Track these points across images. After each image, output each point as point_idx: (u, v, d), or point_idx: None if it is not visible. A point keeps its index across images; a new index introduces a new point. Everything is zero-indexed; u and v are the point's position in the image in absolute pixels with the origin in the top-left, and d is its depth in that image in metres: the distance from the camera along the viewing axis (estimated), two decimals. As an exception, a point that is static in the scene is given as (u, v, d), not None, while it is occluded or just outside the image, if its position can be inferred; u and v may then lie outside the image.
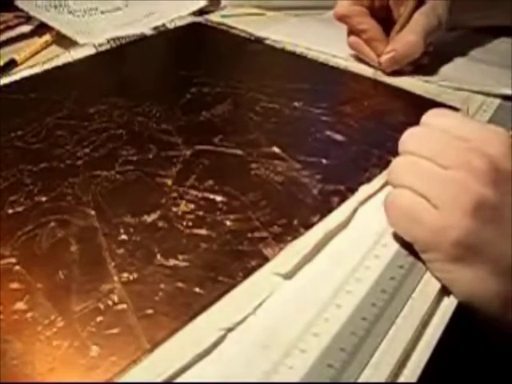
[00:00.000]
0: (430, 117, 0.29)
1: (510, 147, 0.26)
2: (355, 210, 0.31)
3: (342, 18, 0.46)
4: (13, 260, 0.28)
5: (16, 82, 0.46)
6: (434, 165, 0.27)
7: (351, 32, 0.46)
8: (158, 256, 0.28)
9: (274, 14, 0.59)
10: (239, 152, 0.36)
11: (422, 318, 0.25)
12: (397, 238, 0.29)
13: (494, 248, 0.25)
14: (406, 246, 0.28)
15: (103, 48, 0.52)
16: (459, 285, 0.26)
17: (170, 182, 0.33)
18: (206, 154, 0.36)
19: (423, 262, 0.27)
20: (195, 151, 0.36)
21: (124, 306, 0.25)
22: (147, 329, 0.24)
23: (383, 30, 0.45)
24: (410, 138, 0.29)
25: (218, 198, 0.32)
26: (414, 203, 0.27)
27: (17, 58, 0.50)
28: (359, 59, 0.47)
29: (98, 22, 0.57)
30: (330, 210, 0.31)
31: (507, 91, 0.41)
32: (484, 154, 0.26)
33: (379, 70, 0.45)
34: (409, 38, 0.43)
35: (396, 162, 0.29)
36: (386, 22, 0.45)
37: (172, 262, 0.28)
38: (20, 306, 0.25)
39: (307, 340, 0.23)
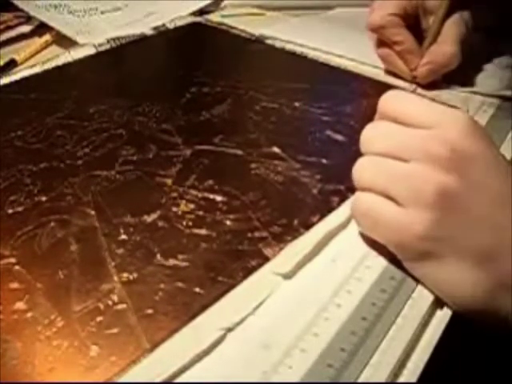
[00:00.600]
0: (385, 104, 0.29)
1: (470, 128, 0.26)
2: (355, 210, 0.31)
3: (376, 29, 0.44)
4: (13, 260, 0.28)
5: (16, 82, 0.46)
6: (394, 161, 0.26)
7: (382, 43, 0.44)
8: (158, 256, 0.28)
9: (274, 14, 0.59)
10: (239, 152, 0.36)
11: (422, 318, 0.25)
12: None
13: (462, 237, 0.25)
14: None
15: (103, 48, 0.52)
16: (436, 282, 0.26)
17: (169, 181, 0.33)
18: (205, 154, 0.36)
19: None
20: (195, 151, 0.36)
21: (124, 305, 0.25)
22: (147, 329, 0.24)
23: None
24: (368, 136, 0.28)
25: (218, 198, 0.32)
26: (376, 204, 0.27)
27: (17, 58, 0.50)
28: (360, 59, 0.47)
29: (97, 22, 0.57)
30: (330, 210, 0.31)
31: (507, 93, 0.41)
32: (443, 140, 0.25)
33: (413, 83, 0.43)
34: (445, 49, 0.41)
35: (357, 164, 0.28)
36: (414, 31, 0.44)
37: (172, 261, 0.28)
38: (20, 305, 0.25)
39: (307, 340, 0.23)
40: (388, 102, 0.29)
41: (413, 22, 0.44)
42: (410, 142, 0.26)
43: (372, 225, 0.27)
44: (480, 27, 0.45)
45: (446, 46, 0.42)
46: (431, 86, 0.43)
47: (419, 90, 0.43)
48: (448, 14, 0.42)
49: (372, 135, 0.28)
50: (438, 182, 0.25)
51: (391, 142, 0.27)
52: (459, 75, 0.43)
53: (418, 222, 0.25)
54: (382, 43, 0.45)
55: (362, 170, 0.28)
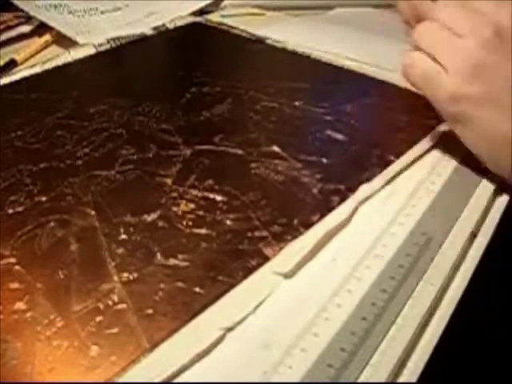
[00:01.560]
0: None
1: None
2: (355, 210, 0.31)
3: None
4: (13, 260, 0.28)
5: (16, 82, 0.46)
6: (450, 33, 0.31)
7: None
8: (158, 256, 0.28)
9: (274, 14, 0.59)
10: (239, 151, 0.36)
11: (422, 318, 0.25)
12: (397, 237, 0.29)
13: (497, 92, 0.29)
14: (406, 245, 0.28)
15: (103, 48, 0.52)
16: (471, 131, 0.31)
17: (170, 181, 0.33)
18: (206, 154, 0.36)
19: (423, 262, 0.27)
20: (195, 151, 0.36)
21: (124, 305, 0.25)
22: (147, 329, 0.24)
23: None
24: (438, 6, 0.32)
25: (218, 198, 0.32)
26: (429, 67, 0.31)
27: (17, 58, 0.50)
28: (360, 58, 0.47)
29: (97, 22, 0.57)
30: (330, 210, 0.31)
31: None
32: (491, 22, 0.30)
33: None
34: None
35: (420, 27, 0.32)
36: None
37: (172, 261, 0.28)
38: (20, 305, 0.25)
39: (307, 340, 0.23)
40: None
41: None
42: (467, 20, 0.31)
43: (423, 82, 0.32)
44: None
45: None
46: None
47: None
48: None
49: (441, 5, 0.32)
50: (475, 56, 0.30)
51: (453, 16, 0.31)
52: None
53: (452, 86, 0.30)
54: None
55: (424, 33, 0.32)
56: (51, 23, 0.55)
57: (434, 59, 0.31)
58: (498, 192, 0.32)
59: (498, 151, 0.30)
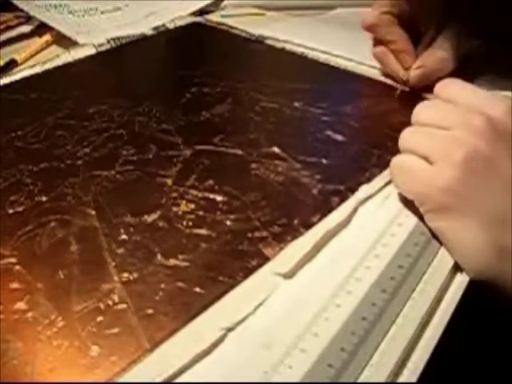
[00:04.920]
0: (442, 87, 0.32)
1: (510, 108, 0.29)
2: (355, 210, 0.31)
3: (370, 28, 0.44)
4: (13, 260, 0.28)
5: (16, 82, 0.46)
6: (437, 129, 0.29)
7: (378, 42, 0.44)
8: (159, 256, 0.28)
9: (274, 14, 0.59)
10: (239, 152, 0.36)
11: (422, 318, 0.25)
12: (397, 237, 0.29)
13: (482, 199, 0.27)
14: (406, 245, 0.28)
15: (103, 48, 0.52)
16: (449, 234, 0.27)
17: (170, 181, 0.33)
18: (206, 154, 0.36)
19: (423, 262, 0.27)
20: (195, 151, 0.36)
21: (124, 305, 0.25)
22: (147, 329, 0.24)
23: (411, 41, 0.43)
24: (419, 110, 0.31)
25: (219, 198, 0.32)
26: (415, 163, 0.29)
27: (17, 58, 0.50)
28: (359, 59, 0.47)
29: (97, 22, 0.57)
30: (330, 210, 0.31)
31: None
32: (485, 116, 0.28)
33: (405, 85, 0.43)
34: (438, 54, 0.41)
35: (406, 130, 0.31)
36: (413, 32, 0.43)
37: (172, 261, 0.28)
38: (20, 305, 0.25)
39: (307, 340, 0.23)
40: (444, 85, 0.32)
41: (411, 22, 0.43)
42: (454, 114, 0.29)
43: (405, 178, 0.30)
44: (480, 34, 0.44)
45: (439, 51, 0.41)
46: (425, 90, 0.42)
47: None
48: (445, 20, 0.41)
49: (423, 109, 0.31)
50: (470, 144, 0.27)
51: (439, 114, 0.30)
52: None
53: (443, 176, 0.27)
54: (378, 42, 0.45)
55: (408, 135, 0.31)
56: (51, 23, 0.55)
57: (422, 158, 0.29)
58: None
59: (488, 254, 0.26)
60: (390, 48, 0.43)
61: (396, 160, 0.31)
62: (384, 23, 0.43)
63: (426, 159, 0.28)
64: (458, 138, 0.28)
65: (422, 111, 0.31)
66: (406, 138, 0.31)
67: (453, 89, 0.31)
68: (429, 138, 0.29)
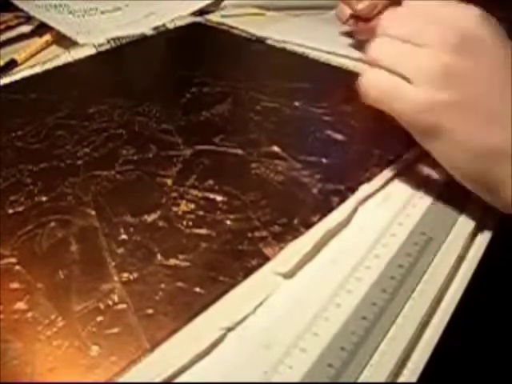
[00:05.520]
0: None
1: (481, 18, 0.28)
2: (355, 210, 0.31)
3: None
4: (13, 260, 0.28)
5: (16, 82, 0.46)
6: (410, 45, 0.28)
7: None
8: (159, 256, 0.28)
9: (274, 14, 0.59)
10: (239, 152, 0.36)
11: (422, 318, 0.25)
12: (397, 237, 0.29)
13: (464, 117, 0.27)
14: (406, 245, 0.28)
15: (103, 48, 0.52)
16: (439, 154, 0.29)
17: (170, 181, 0.33)
18: (206, 154, 0.36)
19: (423, 262, 0.27)
20: (195, 151, 0.36)
21: (124, 305, 0.25)
22: (147, 329, 0.24)
23: None
24: (388, 20, 0.30)
25: (219, 198, 0.32)
26: (392, 82, 0.29)
27: (17, 58, 0.50)
28: (360, 59, 0.47)
29: (97, 22, 0.57)
30: (330, 210, 0.31)
31: None
32: (456, 27, 0.28)
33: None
34: None
35: (375, 43, 0.30)
36: None
37: (172, 261, 0.28)
38: (20, 305, 0.25)
39: (307, 339, 0.23)
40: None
41: None
42: (427, 29, 0.28)
43: (387, 100, 0.29)
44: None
45: None
46: None
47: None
48: None
49: (392, 18, 0.30)
50: (444, 62, 0.27)
51: (410, 28, 0.29)
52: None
53: (423, 95, 0.27)
54: None
55: (378, 49, 0.30)
56: (51, 23, 0.55)
57: (395, 73, 0.29)
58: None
59: (475, 164, 0.28)
60: None
61: (370, 76, 0.30)
62: None
63: (402, 77, 0.28)
64: (431, 55, 0.28)
65: (392, 21, 0.30)
66: (378, 51, 0.30)
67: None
68: (403, 54, 0.29)
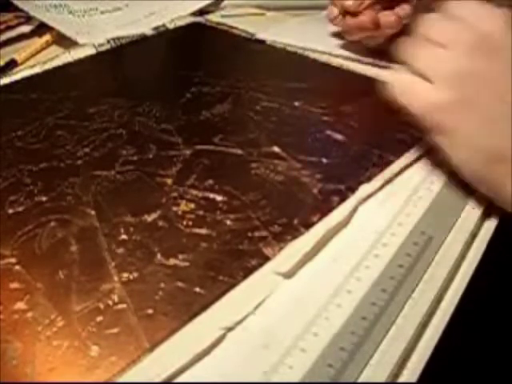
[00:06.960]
0: (450, 4, 0.32)
1: (508, 23, 0.29)
2: (355, 210, 0.31)
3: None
4: (13, 260, 0.28)
5: (16, 82, 0.46)
6: (433, 45, 0.30)
7: None
8: (158, 255, 0.28)
9: (274, 14, 0.59)
10: (239, 151, 0.36)
11: (422, 318, 0.25)
12: (397, 237, 0.29)
13: (477, 118, 0.29)
14: (406, 245, 0.28)
15: (103, 48, 0.52)
16: (448, 151, 0.30)
17: (170, 181, 0.33)
18: (206, 154, 0.36)
19: (423, 262, 0.27)
20: (195, 151, 0.36)
21: (124, 305, 0.25)
22: (147, 328, 0.24)
23: None
24: (423, 22, 0.32)
25: (219, 198, 0.32)
26: (413, 79, 0.31)
27: (17, 58, 0.50)
28: (360, 59, 0.47)
29: (97, 22, 0.57)
30: (330, 210, 0.31)
31: None
32: (476, 30, 0.29)
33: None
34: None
35: (404, 42, 0.32)
36: None
37: (172, 261, 0.28)
38: (20, 305, 0.25)
39: (307, 339, 0.23)
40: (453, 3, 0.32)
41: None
42: (449, 30, 0.30)
43: (407, 97, 0.31)
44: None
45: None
46: None
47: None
48: None
49: (426, 22, 0.32)
50: (463, 64, 0.29)
51: (439, 30, 0.31)
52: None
53: (440, 95, 0.29)
54: None
55: (410, 48, 0.32)
56: (51, 23, 0.55)
57: (418, 73, 0.30)
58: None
59: (480, 166, 0.29)
60: None
61: (397, 76, 0.32)
62: None
63: (424, 77, 0.30)
64: (452, 56, 0.29)
65: (425, 24, 0.32)
66: (408, 48, 0.32)
67: (457, 3, 0.32)
68: (428, 56, 0.31)
